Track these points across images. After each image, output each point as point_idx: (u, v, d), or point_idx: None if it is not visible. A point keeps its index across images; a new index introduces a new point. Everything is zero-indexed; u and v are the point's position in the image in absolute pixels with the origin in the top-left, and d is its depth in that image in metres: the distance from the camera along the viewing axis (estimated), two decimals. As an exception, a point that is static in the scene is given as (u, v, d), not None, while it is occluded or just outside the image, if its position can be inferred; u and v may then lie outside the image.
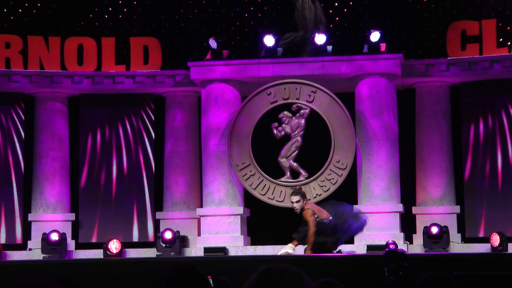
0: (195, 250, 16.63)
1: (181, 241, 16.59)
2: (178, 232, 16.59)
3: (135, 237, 17.53)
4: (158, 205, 17.73)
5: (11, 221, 17.45)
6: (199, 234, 17.04)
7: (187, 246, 16.94)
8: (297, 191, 12.97)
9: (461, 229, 16.78)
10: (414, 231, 16.85)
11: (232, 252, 16.09)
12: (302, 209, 12.49)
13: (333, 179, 16.07)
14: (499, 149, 16.92)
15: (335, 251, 12.54)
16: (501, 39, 16.92)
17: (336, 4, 17.98)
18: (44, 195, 17.52)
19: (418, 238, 16.59)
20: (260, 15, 18.07)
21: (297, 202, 12.56)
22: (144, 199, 17.72)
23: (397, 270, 7.04)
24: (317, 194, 16.02)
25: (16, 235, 17.45)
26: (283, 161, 16.35)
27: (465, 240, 16.68)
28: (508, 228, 16.44)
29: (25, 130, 17.79)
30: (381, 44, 16.63)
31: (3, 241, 17.30)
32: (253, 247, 16.40)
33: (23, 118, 17.80)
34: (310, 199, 14.38)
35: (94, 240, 17.56)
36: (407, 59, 17.04)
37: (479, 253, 15.12)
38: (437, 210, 16.83)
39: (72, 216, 17.59)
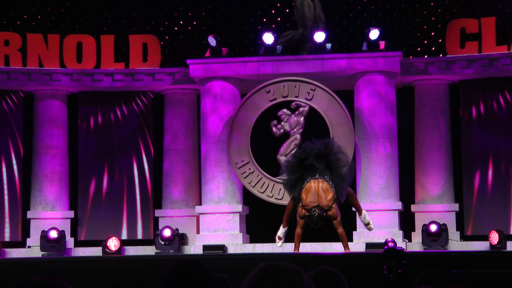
0: (194, 248, 16.63)
1: (180, 238, 16.59)
2: (177, 229, 16.59)
3: (124, 235, 17.49)
4: (157, 203, 17.74)
5: (1, 218, 17.40)
6: (198, 232, 17.04)
7: (186, 244, 16.94)
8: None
9: (460, 227, 16.79)
10: (413, 229, 16.85)
11: (231, 250, 16.10)
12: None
13: (332, 177, 16.06)
14: (499, 147, 16.92)
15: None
16: (500, 37, 16.92)
17: (336, 1, 17.97)
18: (43, 193, 17.52)
19: (417, 236, 16.59)
20: (259, 13, 18.07)
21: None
22: (135, 197, 17.71)
23: (396, 268, 7.04)
24: (316, 192, 16.00)
25: (4, 233, 17.39)
26: (282, 158, 16.34)
27: (464, 238, 16.69)
28: (507, 226, 16.45)
29: (24, 128, 17.78)
30: (380, 42, 16.63)
31: None
32: (252, 245, 16.40)
33: (22, 115, 17.79)
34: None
35: (82, 238, 17.52)
36: (406, 57, 17.04)
37: (478, 251, 15.12)
38: (436, 208, 16.83)
39: (71, 214, 17.59)
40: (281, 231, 12.53)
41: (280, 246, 12.74)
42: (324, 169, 11.91)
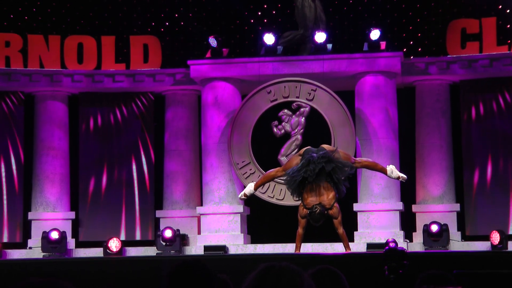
0: (195, 248, 16.63)
1: (181, 239, 16.60)
2: (178, 230, 16.59)
3: (122, 236, 17.47)
4: (158, 204, 17.73)
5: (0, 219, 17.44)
6: (199, 233, 17.04)
7: (187, 245, 16.95)
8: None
9: (461, 227, 16.78)
10: (414, 229, 16.85)
11: (232, 251, 16.10)
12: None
13: (333, 177, 16.05)
14: (499, 147, 16.91)
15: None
16: (501, 37, 16.92)
17: (336, 2, 17.97)
18: (44, 194, 17.52)
19: (418, 236, 16.59)
20: (260, 13, 18.07)
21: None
22: (134, 198, 17.70)
23: (397, 268, 7.04)
24: (317, 193, 16.00)
25: (3, 234, 17.39)
26: (283, 159, 16.33)
27: (465, 238, 16.68)
28: (508, 226, 16.45)
29: (25, 129, 17.79)
30: (381, 42, 16.62)
31: None
32: (253, 245, 16.40)
33: (23, 117, 17.79)
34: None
35: (80, 239, 17.51)
36: (407, 57, 17.04)
37: (479, 251, 15.12)
38: (437, 208, 16.83)
39: (72, 215, 17.59)
40: (249, 190, 12.41)
41: (240, 198, 12.77)
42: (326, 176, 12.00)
